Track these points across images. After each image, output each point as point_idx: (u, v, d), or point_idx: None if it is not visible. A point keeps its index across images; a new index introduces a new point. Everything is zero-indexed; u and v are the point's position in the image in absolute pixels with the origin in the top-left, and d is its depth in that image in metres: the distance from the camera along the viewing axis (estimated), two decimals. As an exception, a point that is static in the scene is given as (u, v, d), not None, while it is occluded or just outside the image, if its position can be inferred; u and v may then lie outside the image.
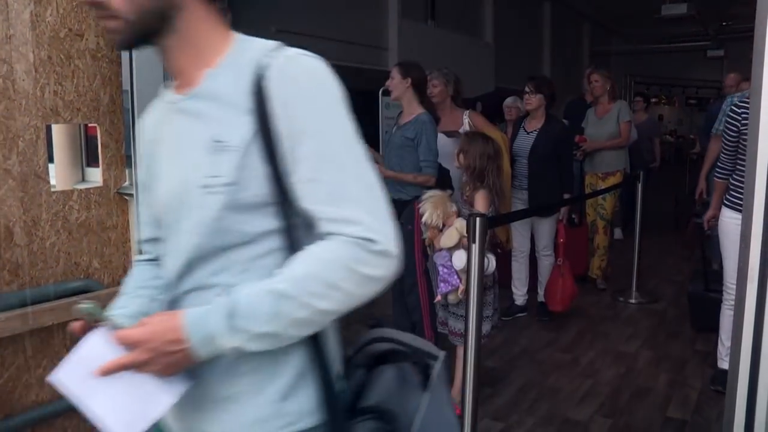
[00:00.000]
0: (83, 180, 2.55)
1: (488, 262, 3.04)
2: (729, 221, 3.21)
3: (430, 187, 3.48)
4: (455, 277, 3.17)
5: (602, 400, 3.40)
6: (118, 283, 2.49)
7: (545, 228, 4.60)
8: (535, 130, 4.49)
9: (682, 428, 2.99)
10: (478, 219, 2.20)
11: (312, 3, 9.65)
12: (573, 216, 5.46)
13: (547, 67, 16.70)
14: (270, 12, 9.07)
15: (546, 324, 4.64)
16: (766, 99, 1.44)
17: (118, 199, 2.51)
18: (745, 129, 3.04)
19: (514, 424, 3.15)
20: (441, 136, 4.20)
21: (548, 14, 16.93)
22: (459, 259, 3.12)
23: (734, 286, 3.24)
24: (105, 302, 1.19)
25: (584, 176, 5.70)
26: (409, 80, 3.78)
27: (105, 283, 2.48)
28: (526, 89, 4.48)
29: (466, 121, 4.30)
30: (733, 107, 3.24)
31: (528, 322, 4.70)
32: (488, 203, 3.20)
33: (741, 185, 3.15)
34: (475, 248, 2.18)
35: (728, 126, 3.23)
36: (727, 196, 3.27)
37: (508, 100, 5.94)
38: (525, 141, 4.52)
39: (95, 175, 2.50)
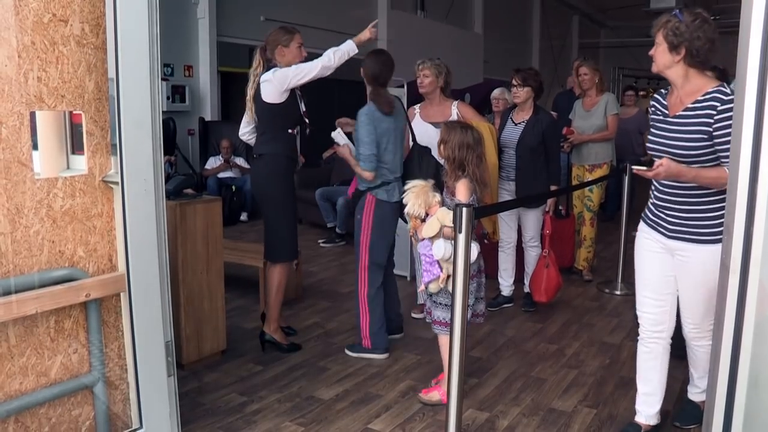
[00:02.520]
0: (68, 168, 2.52)
1: (476, 250, 3.07)
2: (642, 234, 2.83)
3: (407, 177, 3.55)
4: (437, 266, 3.18)
5: (586, 390, 3.43)
6: (104, 272, 2.49)
7: (532, 219, 4.62)
8: (522, 122, 4.50)
9: (665, 418, 3.01)
10: (464, 209, 2.21)
11: (301, -8, 9.62)
12: (560, 207, 5.49)
13: (536, 59, 16.73)
14: (259, 1, 9.03)
15: (532, 315, 4.67)
16: (750, 93, 1.45)
17: (104, 187, 2.49)
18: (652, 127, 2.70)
19: (499, 413, 3.17)
20: (429, 127, 4.20)
21: (537, 6, 16.94)
22: (438, 248, 3.13)
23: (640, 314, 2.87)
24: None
25: (571, 168, 5.72)
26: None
27: (90, 271, 2.46)
28: (514, 82, 4.49)
29: (455, 112, 4.30)
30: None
31: (514, 312, 4.72)
32: (470, 192, 3.19)
33: (655, 203, 2.72)
34: (462, 238, 2.18)
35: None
36: (646, 210, 2.82)
37: (496, 92, 5.94)
38: (513, 132, 4.53)
39: (80, 163, 2.48)
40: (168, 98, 8.15)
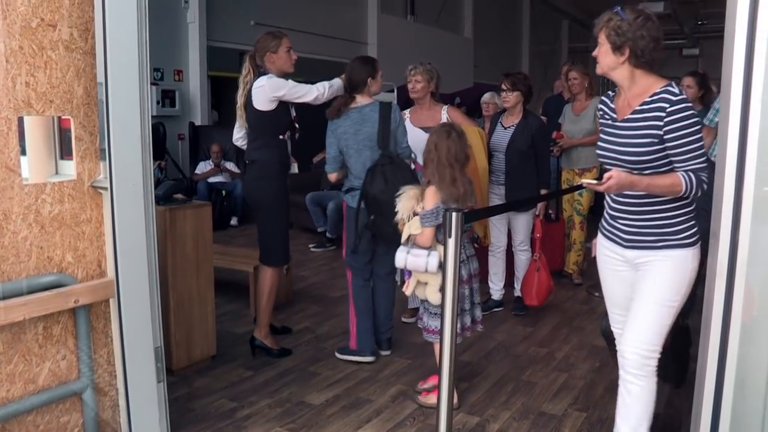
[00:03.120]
0: (56, 173, 2.52)
1: (429, 258, 3.08)
2: (601, 248, 2.65)
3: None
4: (408, 272, 3.21)
5: (577, 393, 3.44)
6: (93, 278, 2.48)
7: (522, 223, 4.64)
8: (512, 126, 4.52)
9: (655, 421, 3.01)
10: (453, 213, 2.21)
11: (291, -4, 9.62)
12: (549, 211, 5.51)
13: (526, 63, 16.81)
14: (249, 5, 9.04)
15: (522, 318, 4.68)
16: (735, 98, 1.47)
17: (92, 192, 2.48)
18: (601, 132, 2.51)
19: (489, 417, 3.18)
20: (419, 132, 4.21)
21: (527, 10, 17.04)
22: (397, 257, 3.19)
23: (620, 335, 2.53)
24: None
25: (561, 172, 5.74)
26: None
27: (79, 277, 2.46)
28: (503, 87, 4.51)
29: (445, 117, 4.30)
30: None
31: (504, 316, 4.73)
32: (435, 200, 3.11)
33: (610, 213, 2.52)
34: (451, 243, 2.19)
35: None
36: (602, 220, 2.63)
37: (486, 96, 5.96)
38: (502, 136, 4.54)
39: (69, 168, 2.47)
40: (158, 103, 8.13)
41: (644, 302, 2.39)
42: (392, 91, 5.92)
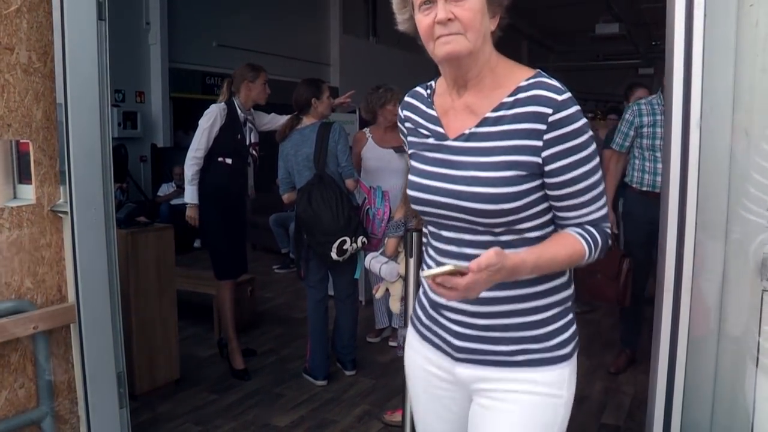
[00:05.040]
0: (15, 197, 2.49)
1: (384, 265, 3.20)
2: (411, 352, 1.55)
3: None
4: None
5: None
6: (52, 303, 2.45)
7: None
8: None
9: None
10: (414, 234, 2.25)
11: (254, 18, 9.66)
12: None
13: (487, 83, 17.02)
14: (211, 27, 9.04)
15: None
16: (677, 102, 1.53)
17: (52, 216, 2.46)
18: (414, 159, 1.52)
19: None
20: (390, 152, 4.26)
21: (487, 31, 17.30)
22: (365, 258, 3.42)
23: None
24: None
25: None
26: None
27: (38, 303, 2.42)
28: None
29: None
30: None
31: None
32: (400, 213, 3.29)
33: (431, 300, 1.46)
34: (411, 262, 2.22)
35: None
36: (416, 307, 1.56)
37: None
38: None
39: (28, 193, 2.45)
40: (119, 125, 8.05)
41: None
42: (354, 111, 5.96)
